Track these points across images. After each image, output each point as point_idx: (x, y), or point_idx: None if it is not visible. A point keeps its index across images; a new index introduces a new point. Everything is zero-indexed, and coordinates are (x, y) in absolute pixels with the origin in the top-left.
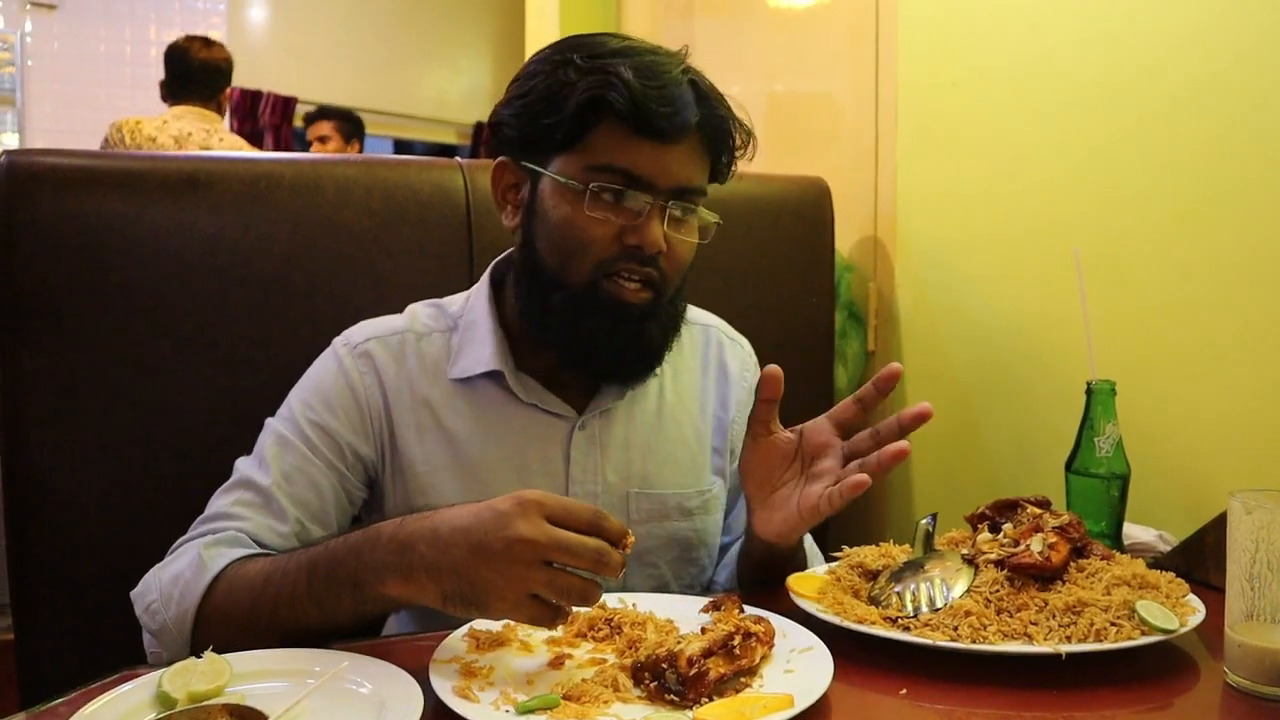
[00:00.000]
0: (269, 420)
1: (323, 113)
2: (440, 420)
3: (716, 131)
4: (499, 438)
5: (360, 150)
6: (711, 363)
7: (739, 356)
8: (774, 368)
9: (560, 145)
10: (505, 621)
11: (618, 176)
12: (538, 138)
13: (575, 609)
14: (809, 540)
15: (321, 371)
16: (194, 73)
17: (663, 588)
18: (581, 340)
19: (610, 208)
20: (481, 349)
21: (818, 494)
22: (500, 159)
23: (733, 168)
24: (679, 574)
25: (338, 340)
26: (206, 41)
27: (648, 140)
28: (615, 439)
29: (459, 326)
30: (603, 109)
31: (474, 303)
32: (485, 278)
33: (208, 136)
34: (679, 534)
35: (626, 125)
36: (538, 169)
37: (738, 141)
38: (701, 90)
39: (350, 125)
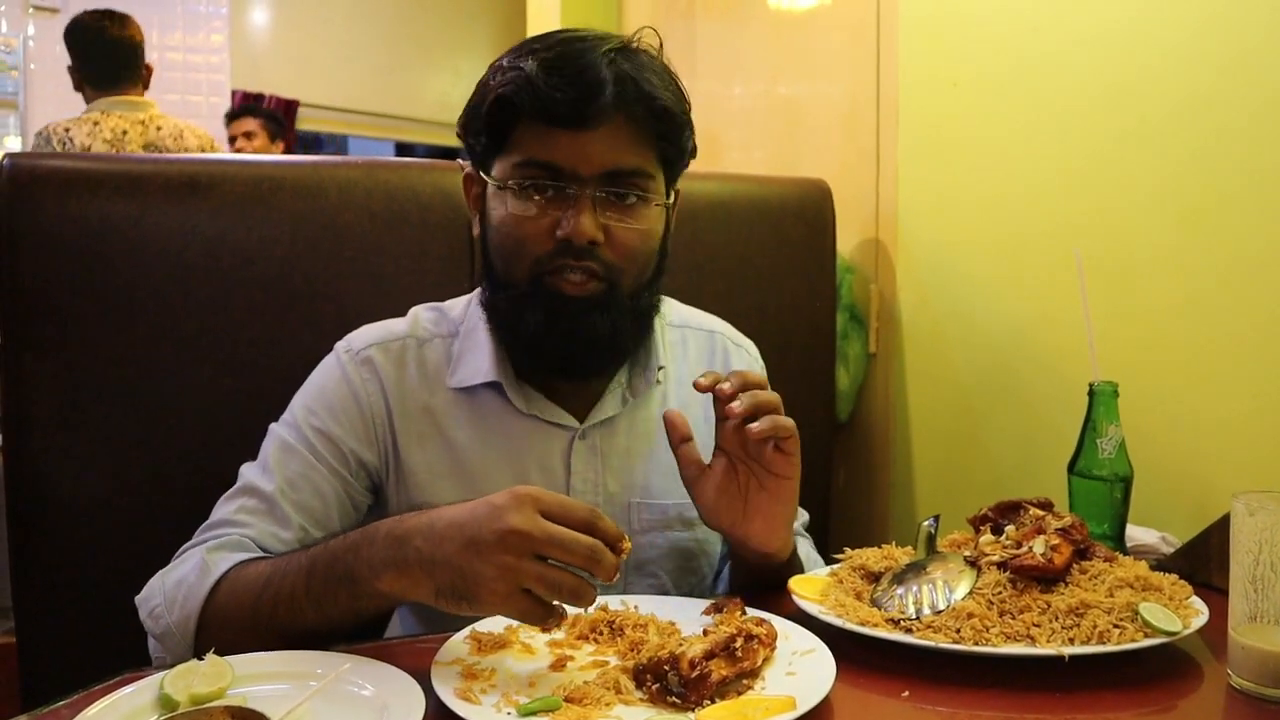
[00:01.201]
0: (273, 426)
1: (247, 109)
2: (441, 429)
3: (645, 109)
4: (499, 447)
5: (286, 150)
6: (717, 369)
7: (744, 362)
8: (672, 412)
9: (493, 149)
10: (507, 624)
11: (540, 170)
12: (477, 146)
13: (570, 611)
14: (807, 546)
15: (324, 378)
16: (121, 54)
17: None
18: (523, 337)
19: (538, 202)
20: (480, 358)
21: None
22: (466, 170)
23: (691, 145)
24: (680, 583)
25: (340, 345)
26: (116, 18)
27: (563, 130)
28: (617, 448)
29: (460, 333)
30: (516, 107)
31: (474, 309)
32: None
33: (145, 129)
34: (680, 544)
35: (537, 119)
36: (484, 176)
37: (679, 120)
38: (623, 71)
39: (275, 124)
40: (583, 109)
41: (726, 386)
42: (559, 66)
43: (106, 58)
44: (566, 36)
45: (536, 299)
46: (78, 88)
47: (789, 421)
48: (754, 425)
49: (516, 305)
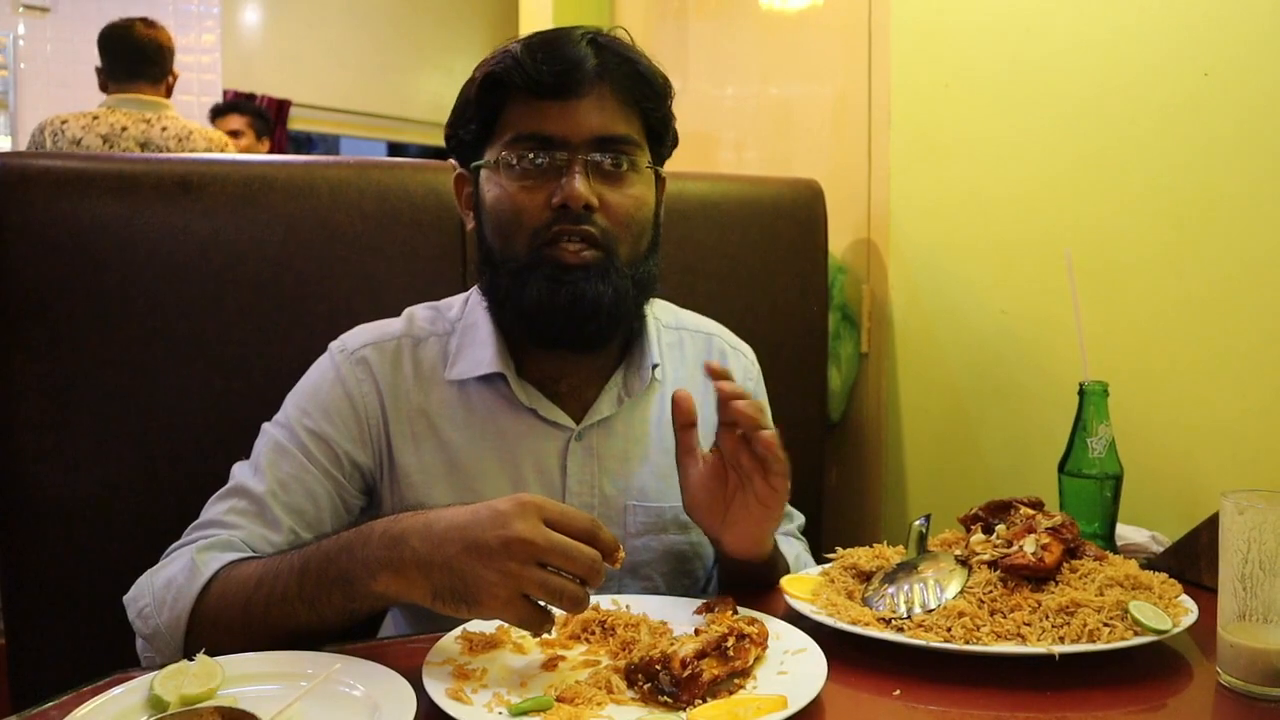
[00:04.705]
0: (265, 425)
1: (233, 106)
2: (436, 428)
3: (626, 77)
4: (495, 447)
5: (273, 148)
6: None
7: (741, 365)
8: (682, 392)
9: (483, 136)
10: (498, 624)
11: (531, 142)
12: (467, 139)
13: (562, 615)
14: (800, 548)
15: (318, 378)
16: (145, 51)
17: None
18: (527, 308)
19: (532, 173)
20: (482, 351)
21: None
22: (456, 172)
23: (673, 123)
24: (674, 586)
25: (334, 345)
26: (148, 22)
27: (550, 100)
28: (613, 451)
29: (456, 330)
30: (503, 87)
31: (473, 305)
32: None
33: (148, 127)
34: (675, 547)
35: (526, 93)
36: (476, 164)
37: (659, 87)
38: (603, 44)
39: (262, 122)
40: (568, 78)
41: (727, 386)
42: (543, 46)
43: (127, 55)
44: (545, 30)
45: (538, 269)
46: (102, 88)
47: (783, 456)
48: (764, 433)
49: (517, 278)
